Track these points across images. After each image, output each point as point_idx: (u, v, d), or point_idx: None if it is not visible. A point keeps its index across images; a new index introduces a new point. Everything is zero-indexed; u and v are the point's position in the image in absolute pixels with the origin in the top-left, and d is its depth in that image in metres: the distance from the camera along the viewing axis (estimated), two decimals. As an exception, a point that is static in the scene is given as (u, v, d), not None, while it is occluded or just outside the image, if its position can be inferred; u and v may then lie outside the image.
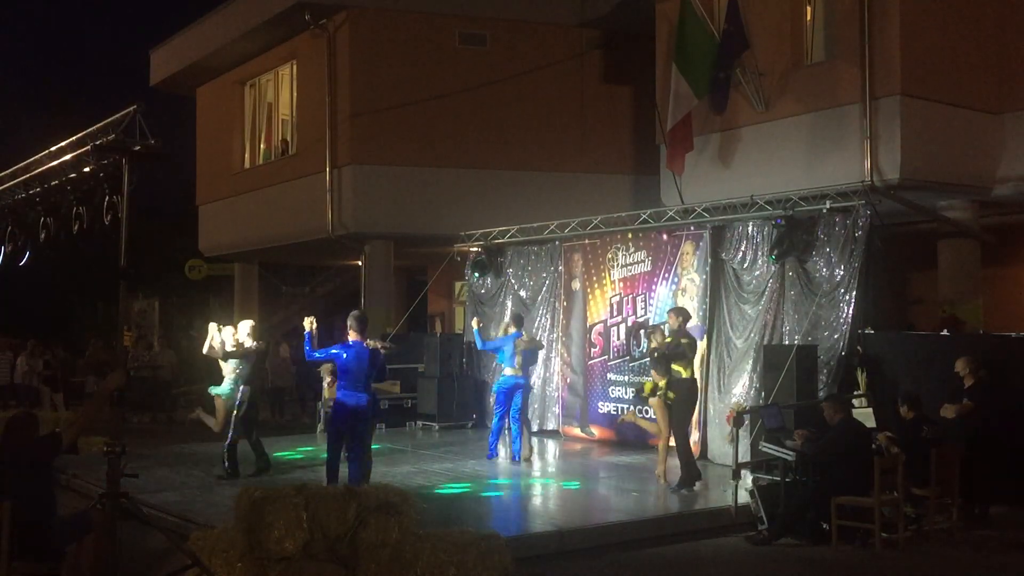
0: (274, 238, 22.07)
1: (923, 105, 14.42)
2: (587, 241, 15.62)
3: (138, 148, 7.89)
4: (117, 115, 8.33)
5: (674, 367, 11.40)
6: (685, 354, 11.43)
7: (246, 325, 12.44)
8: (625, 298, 14.84)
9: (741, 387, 12.97)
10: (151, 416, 20.60)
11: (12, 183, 10.95)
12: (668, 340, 11.52)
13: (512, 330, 13.57)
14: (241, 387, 12.06)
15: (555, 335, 16.15)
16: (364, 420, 10.52)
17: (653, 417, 12.56)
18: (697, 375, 12.97)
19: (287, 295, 30.45)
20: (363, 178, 19.37)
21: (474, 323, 14.50)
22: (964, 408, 10.44)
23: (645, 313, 14.36)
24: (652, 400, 11.68)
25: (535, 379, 15.26)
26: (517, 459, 13.17)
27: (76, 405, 20.49)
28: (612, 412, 14.93)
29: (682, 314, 11.82)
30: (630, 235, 14.86)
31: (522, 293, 16.86)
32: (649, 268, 14.46)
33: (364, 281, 20.56)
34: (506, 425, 13.53)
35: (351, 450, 10.56)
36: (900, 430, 10.22)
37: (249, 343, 12.25)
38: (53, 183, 9.87)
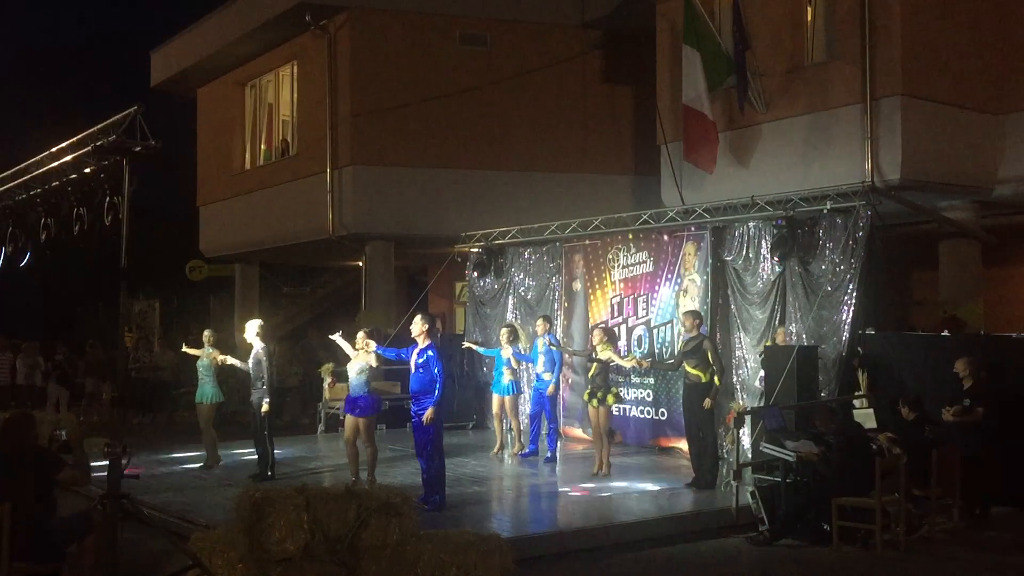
0: (275, 239, 22.06)
1: (924, 105, 14.41)
2: (588, 242, 15.60)
3: (139, 149, 7.90)
4: (118, 116, 8.34)
5: (691, 370, 11.52)
6: (706, 357, 11.44)
7: (253, 325, 12.18)
8: (626, 299, 14.81)
9: (746, 388, 12.96)
10: (151, 416, 20.60)
11: (13, 184, 10.96)
12: (683, 343, 11.81)
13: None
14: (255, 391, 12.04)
15: (556, 335, 16.11)
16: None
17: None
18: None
19: (288, 296, 30.43)
20: (364, 179, 19.36)
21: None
22: (965, 410, 10.43)
23: (647, 314, 14.34)
24: (591, 406, 12.14)
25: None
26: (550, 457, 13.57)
27: (76, 406, 20.54)
28: (615, 413, 14.85)
29: (697, 317, 11.97)
30: (631, 236, 14.84)
31: (524, 294, 16.84)
32: (651, 269, 14.44)
33: (365, 282, 20.54)
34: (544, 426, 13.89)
35: None
36: (901, 431, 10.22)
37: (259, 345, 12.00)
38: (54, 184, 9.88)
